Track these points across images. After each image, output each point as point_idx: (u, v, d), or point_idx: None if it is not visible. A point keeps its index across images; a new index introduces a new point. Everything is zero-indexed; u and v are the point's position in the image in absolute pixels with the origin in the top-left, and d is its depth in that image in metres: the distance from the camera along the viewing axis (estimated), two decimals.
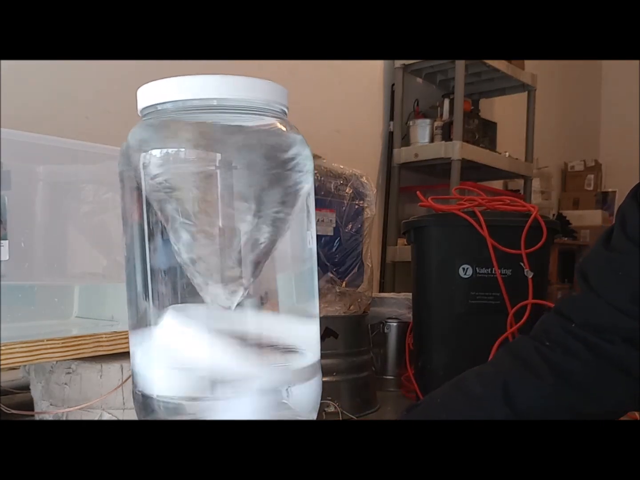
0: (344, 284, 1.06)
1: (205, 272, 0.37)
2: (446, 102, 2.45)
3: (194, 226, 0.36)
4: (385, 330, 1.15)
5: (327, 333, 0.92)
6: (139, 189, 0.37)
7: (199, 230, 0.36)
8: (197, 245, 0.37)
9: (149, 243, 0.37)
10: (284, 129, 0.39)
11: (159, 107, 0.38)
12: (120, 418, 0.64)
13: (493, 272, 0.91)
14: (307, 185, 0.40)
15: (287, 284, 0.41)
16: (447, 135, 2.35)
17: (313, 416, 0.41)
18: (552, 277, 2.84)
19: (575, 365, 0.52)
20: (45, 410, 0.66)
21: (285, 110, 0.40)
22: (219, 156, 0.36)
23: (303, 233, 0.41)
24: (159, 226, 0.37)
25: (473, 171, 2.48)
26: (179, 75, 0.37)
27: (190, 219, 0.36)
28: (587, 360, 0.52)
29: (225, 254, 0.37)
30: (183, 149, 0.36)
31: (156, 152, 0.36)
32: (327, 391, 0.63)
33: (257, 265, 0.37)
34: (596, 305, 0.54)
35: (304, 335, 0.41)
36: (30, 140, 0.63)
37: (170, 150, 0.36)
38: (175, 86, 0.36)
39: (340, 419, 0.83)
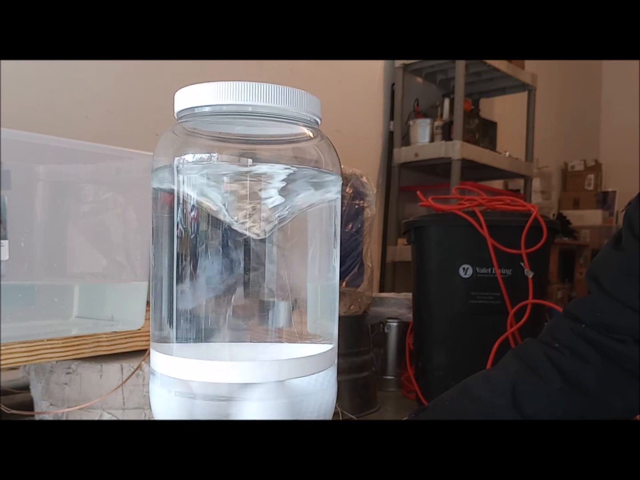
0: (344, 284, 1.06)
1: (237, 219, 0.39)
2: (446, 101, 2.45)
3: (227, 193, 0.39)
4: (385, 330, 1.15)
5: None
6: (172, 192, 0.38)
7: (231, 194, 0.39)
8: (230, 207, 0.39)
9: (179, 262, 0.39)
10: (313, 136, 0.41)
11: (196, 110, 0.39)
12: (120, 418, 0.64)
13: (493, 272, 0.91)
14: (334, 203, 0.42)
15: (314, 295, 0.42)
16: (447, 135, 2.35)
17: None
18: (552, 277, 2.84)
19: (584, 368, 0.52)
20: (45, 410, 0.66)
21: (318, 120, 0.41)
22: (250, 161, 0.39)
23: (330, 248, 0.42)
24: (192, 236, 0.39)
25: (473, 171, 2.48)
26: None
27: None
28: (597, 362, 0.52)
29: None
30: (216, 154, 0.39)
31: (190, 157, 0.38)
32: None
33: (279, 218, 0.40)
34: (607, 305, 0.53)
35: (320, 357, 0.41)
36: (30, 140, 0.63)
37: (204, 155, 0.38)
38: (213, 90, 0.38)
39: (341, 419, 0.83)
